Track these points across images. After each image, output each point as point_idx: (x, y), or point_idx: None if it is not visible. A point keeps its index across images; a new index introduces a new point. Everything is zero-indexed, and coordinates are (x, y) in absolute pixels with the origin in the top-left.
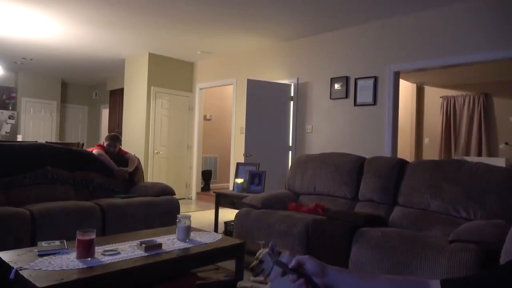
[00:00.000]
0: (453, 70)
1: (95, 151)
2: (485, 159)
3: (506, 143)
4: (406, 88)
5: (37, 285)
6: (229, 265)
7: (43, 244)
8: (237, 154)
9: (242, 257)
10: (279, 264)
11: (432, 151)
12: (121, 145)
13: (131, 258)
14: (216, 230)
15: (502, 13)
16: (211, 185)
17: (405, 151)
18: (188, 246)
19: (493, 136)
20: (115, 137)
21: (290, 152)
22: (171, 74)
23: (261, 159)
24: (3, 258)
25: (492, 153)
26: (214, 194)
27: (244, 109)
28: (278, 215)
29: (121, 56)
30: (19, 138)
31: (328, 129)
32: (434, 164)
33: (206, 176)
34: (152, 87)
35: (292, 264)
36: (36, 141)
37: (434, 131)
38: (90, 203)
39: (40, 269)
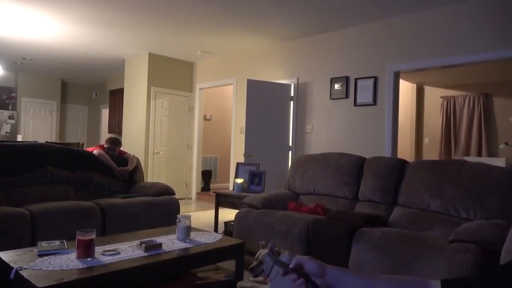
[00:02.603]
0: (453, 70)
1: (95, 151)
2: (485, 159)
3: (506, 143)
4: (406, 88)
5: (37, 285)
6: (229, 265)
7: (43, 244)
8: (237, 154)
9: (242, 257)
10: (280, 264)
11: (432, 151)
12: (121, 147)
13: (131, 258)
14: (216, 230)
15: (501, 13)
16: (211, 185)
17: (405, 151)
18: (188, 246)
19: (493, 136)
20: (116, 141)
21: (290, 152)
22: (171, 74)
23: (261, 159)
24: (3, 258)
25: (492, 153)
26: (214, 194)
27: (244, 109)
28: (278, 215)
29: (121, 56)
30: (19, 138)
31: (328, 129)
32: (434, 164)
33: (206, 176)
34: (152, 87)
35: (292, 264)
36: (36, 141)
37: (434, 131)
38: (90, 203)
39: (40, 269)
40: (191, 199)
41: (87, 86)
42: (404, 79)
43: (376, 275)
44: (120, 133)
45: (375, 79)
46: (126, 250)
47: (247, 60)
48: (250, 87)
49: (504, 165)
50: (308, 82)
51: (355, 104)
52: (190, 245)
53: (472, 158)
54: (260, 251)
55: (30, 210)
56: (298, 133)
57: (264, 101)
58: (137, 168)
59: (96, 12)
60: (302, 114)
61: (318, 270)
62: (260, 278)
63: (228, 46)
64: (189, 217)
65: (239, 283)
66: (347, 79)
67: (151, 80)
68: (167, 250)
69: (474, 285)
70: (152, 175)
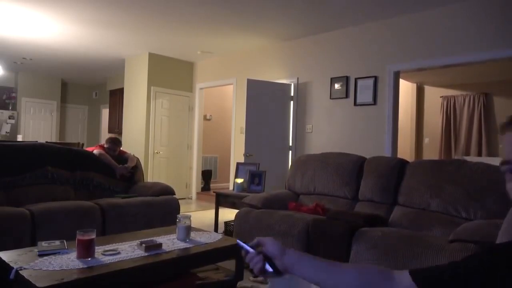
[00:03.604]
0: (453, 70)
1: (95, 151)
2: (485, 159)
3: None
4: (406, 88)
5: (37, 285)
6: (229, 265)
7: (43, 244)
8: (237, 154)
9: (242, 257)
10: (240, 246)
11: (432, 151)
12: (121, 147)
13: (131, 258)
14: (216, 230)
15: (501, 12)
16: (211, 185)
17: (405, 151)
18: (188, 246)
19: (493, 135)
20: (116, 141)
21: (290, 152)
22: (171, 74)
23: (261, 159)
24: (3, 258)
25: (492, 153)
26: (214, 194)
27: (244, 109)
28: (278, 215)
29: (121, 56)
30: (19, 138)
31: (328, 129)
32: (434, 164)
33: (206, 176)
34: (152, 87)
35: (253, 241)
36: (36, 141)
37: (434, 131)
38: (90, 203)
39: (40, 269)
40: (191, 199)
41: (87, 86)
42: (404, 79)
43: (338, 262)
44: (120, 133)
45: (375, 79)
46: (126, 250)
47: (247, 60)
48: (250, 87)
49: None
50: (308, 82)
51: (355, 104)
52: (190, 245)
53: (472, 158)
54: None
55: (30, 210)
56: (298, 133)
57: (264, 101)
58: (137, 168)
59: (96, 12)
60: (302, 114)
61: (277, 252)
62: (260, 278)
63: (228, 46)
64: (189, 217)
65: (239, 283)
66: (347, 79)
67: (151, 80)
68: (167, 250)
69: (443, 272)
70: (152, 175)
